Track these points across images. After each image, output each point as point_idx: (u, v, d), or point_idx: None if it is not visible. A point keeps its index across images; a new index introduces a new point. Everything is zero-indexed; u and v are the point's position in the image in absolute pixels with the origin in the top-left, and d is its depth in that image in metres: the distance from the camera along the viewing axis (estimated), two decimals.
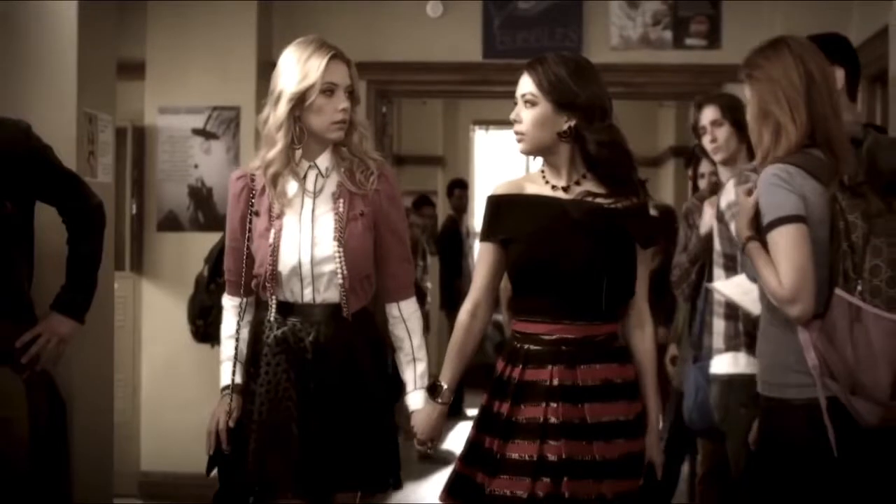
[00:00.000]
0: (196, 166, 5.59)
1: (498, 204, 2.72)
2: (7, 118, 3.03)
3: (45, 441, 2.99)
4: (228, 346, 2.86)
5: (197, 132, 5.58)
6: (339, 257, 2.72)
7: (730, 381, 3.28)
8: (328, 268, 2.73)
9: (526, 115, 2.63)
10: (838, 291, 2.44)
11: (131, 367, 5.43)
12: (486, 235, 2.74)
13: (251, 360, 2.81)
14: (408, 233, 2.95)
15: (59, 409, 3.10)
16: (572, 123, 2.59)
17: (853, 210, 2.47)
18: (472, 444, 2.69)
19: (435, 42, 5.78)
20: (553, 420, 2.54)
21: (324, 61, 2.69)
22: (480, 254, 2.77)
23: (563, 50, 5.77)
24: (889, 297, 2.41)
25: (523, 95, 2.64)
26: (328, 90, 2.71)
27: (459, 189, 9.61)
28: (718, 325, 3.32)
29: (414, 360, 2.84)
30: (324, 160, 2.80)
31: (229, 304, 2.90)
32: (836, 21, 5.46)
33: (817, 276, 2.45)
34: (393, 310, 2.86)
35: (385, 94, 6.10)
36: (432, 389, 2.77)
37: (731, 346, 3.27)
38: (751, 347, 3.12)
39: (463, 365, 2.76)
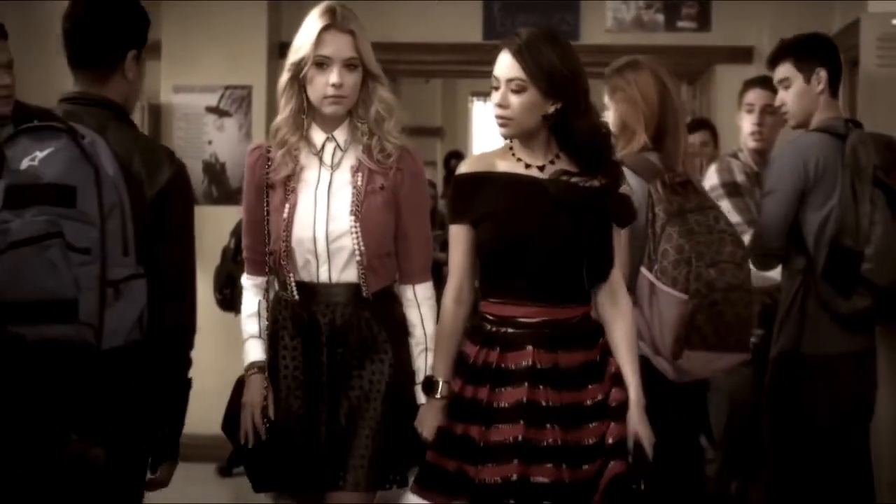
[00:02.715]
0: (210, 142, 5.84)
1: (468, 182, 2.60)
2: (51, 108, 3.26)
3: None
4: (251, 323, 2.74)
5: (210, 110, 5.82)
6: (356, 232, 2.58)
7: None
8: (344, 244, 2.60)
9: (514, 101, 2.51)
10: (642, 269, 2.85)
11: None
12: (460, 216, 2.60)
13: (270, 345, 2.69)
14: (429, 213, 2.80)
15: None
16: (558, 107, 2.51)
17: (659, 203, 2.83)
18: (445, 432, 2.54)
19: (438, 24, 5.99)
20: (543, 403, 2.45)
21: (315, 32, 2.57)
22: (455, 237, 2.61)
23: (560, 32, 6.09)
24: (673, 276, 2.78)
25: (510, 80, 2.51)
26: (319, 63, 2.58)
27: (456, 160, 9.83)
28: None
29: (426, 349, 2.67)
30: (342, 133, 2.66)
31: (249, 284, 2.77)
32: (820, 3, 5.72)
33: (636, 256, 2.85)
34: (407, 292, 2.70)
35: (390, 73, 6.32)
36: (428, 387, 2.61)
37: None
38: None
39: (454, 353, 2.61)
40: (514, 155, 2.59)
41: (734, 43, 5.93)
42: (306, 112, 2.64)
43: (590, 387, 2.51)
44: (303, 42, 2.58)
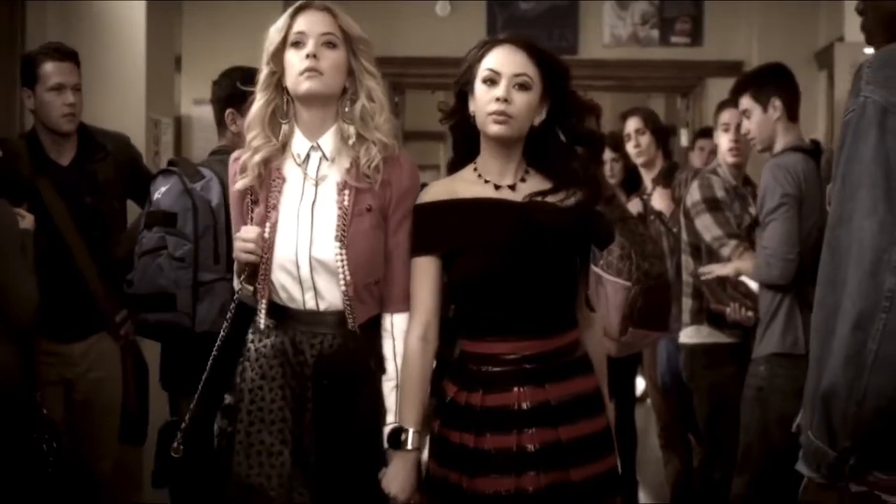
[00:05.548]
0: None
1: (434, 212, 2.35)
2: (110, 131, 3.61)
3: (132, 399, 3.54)
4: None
5: None
6: (342, 260, 2.31)
7: (694, 348, 3.84)
8: (329, 271, 2.33)
9: (518, 98, 2.27)
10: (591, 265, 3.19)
11: None
12: (426, 248, 2.34)
13: (239, 370, 2.41)
14: None
15: (143, 373, 3.60)
16: (543, 116, 2.34)
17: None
18: (435, 477, 2.33)
19: (443, 39, 6.22)
20: (530, 448, 2.24)
21: (289, 14, 2.35)
22: (420, 270, 2.35)
23: (560, 47, 6.39)
24: (618, 268, 3.22)
25: (518, 75, 2.27)
26: (295, 42, 2.32)
27: None
28: (686, 303, 3.86)
29: (397, 387, 2.36)
30: (328, 141, 2.38)
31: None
32: (805, 21, 6.03)
33: None
34: (385, 321, 2.39)
35: (397, 86, 6.64)
36: (395, 439, 2.31)
37: (695, 320, 3.82)
38: (711, 321, 3.74)
39: (424, 397, 2.35)
40: (480, 176, 2.36)
41: (725, 57, 6.24)
42: (286, 115, 2.38)
43: (585, 420, 2.31)
44: (275, 28, 2.36)
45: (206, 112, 5.97)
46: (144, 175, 3.67)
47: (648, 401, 5.43)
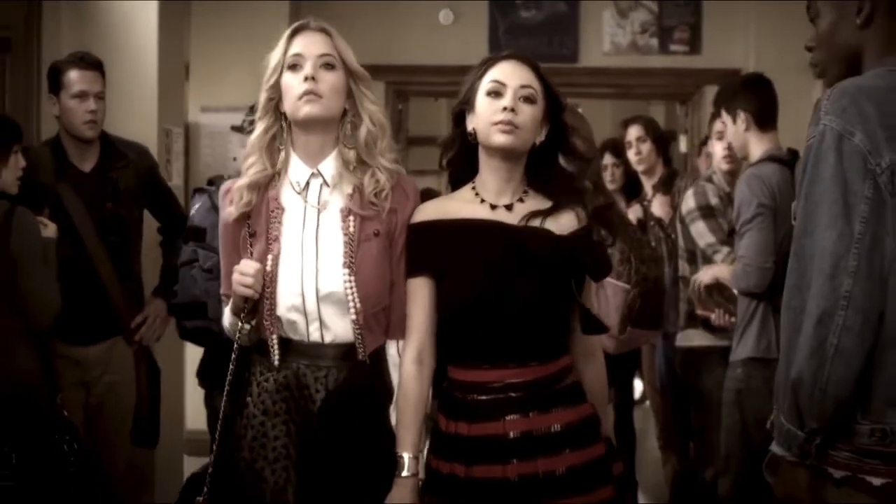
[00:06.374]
0: (235, 159, 6.16)
1: (427, 231, 2.31)
2: (131, 140, 3.74)
3: (144, 402, 3.66)
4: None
5: (235, 129, 6.18)
6: (351, 287, 2.27)
7: (689, 351, 3.98)
8: (337, 300, 2.28)
9: (525, 110, 2.26)
10: None
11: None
12: (419, 269, 2.31)
13: (240, 407, 2.36)
14: None
15: (155, 377, 3.73)
16: (543, 137, 2.32)
17: None
18: None
19: (446, 46, 6.32)
20: (512, 479, 2.20)
21: (285, 37, 2.33)
22: (414, 290, 2.31)
23: (560, 55, 6.49)
24: (619, 271, 3.35)
25: (524, 87, 2.27)
26: (292, 65, 2.29)
27: None
28: (682, 307, 3.99)
29: None
30: (329, 167, 2.34)
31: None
32: (802, 30, 6.09)
33: None
34: (391, 349, 2.36)
35: (401, 93, 6.73)
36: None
37: (690, 323, 3.96)
38: (704, 325, 3.87)
39: (421, 421, 2.29)
40: (477, 195, 2.33)
41: (723, 65, 6.31)
42: (285, 140, 2.34)
43: (570, 452, 2.24)
44: (274, 53, 2.33)
45: (213, 119, 6.17)
46: (161, 185, 3.79)
47: (647, 402, 5.53)
